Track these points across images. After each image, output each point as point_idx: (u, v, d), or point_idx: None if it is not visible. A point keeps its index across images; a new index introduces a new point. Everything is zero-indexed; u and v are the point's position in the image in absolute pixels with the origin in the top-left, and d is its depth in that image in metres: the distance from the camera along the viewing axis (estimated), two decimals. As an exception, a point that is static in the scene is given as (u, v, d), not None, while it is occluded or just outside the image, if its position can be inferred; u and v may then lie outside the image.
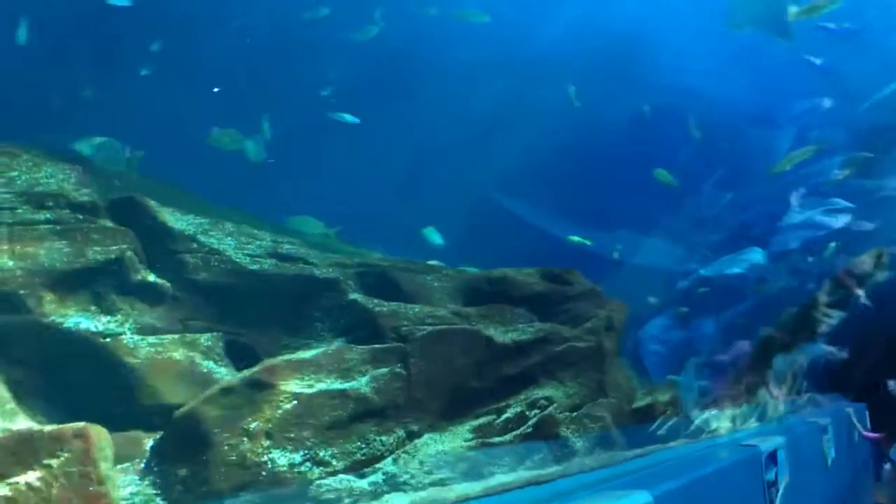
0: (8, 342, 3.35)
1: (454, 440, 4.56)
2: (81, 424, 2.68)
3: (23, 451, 2.53)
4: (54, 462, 2.56)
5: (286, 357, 3.85)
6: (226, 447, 3.46)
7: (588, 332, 5.78)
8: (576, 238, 6.34)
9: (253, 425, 3.57)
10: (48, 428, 2.64)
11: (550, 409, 5.28)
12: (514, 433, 4.95)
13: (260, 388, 3.65)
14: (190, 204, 4.23)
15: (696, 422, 7.93)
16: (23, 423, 2.93)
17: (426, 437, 4.42)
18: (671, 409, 7.19)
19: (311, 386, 3.79)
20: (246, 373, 3.69)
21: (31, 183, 3.65)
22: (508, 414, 5.01)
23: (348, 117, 5.01)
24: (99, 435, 2.74)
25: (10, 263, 3.39)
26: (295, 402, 3.71)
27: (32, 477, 2.51)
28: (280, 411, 3.66)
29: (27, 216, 3.55)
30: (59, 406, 3.42)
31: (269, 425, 3.62)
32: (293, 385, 3.74)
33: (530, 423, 5.06)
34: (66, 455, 2.58)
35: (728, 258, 9.48)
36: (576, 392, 5.60)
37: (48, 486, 2.53)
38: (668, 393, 7.23)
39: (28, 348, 3.42)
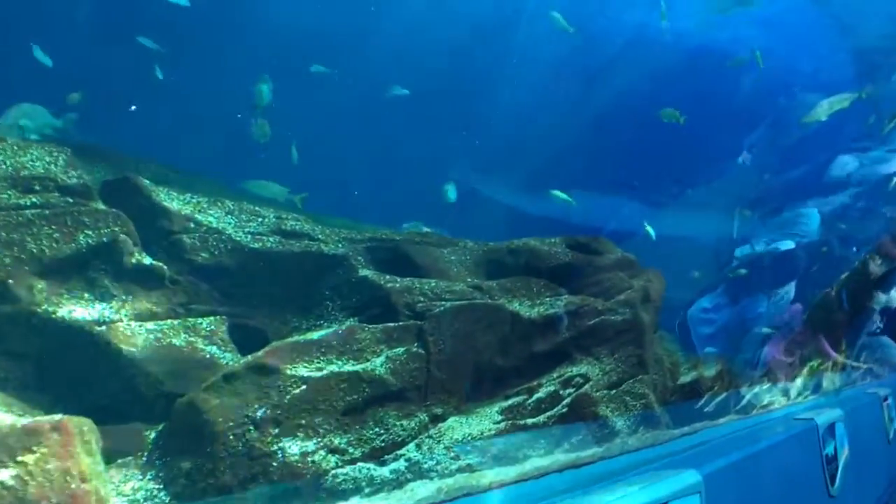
0: (-3, 333, 3.18)
1: (482, 423, 4.27)
2: (59, 417, 2.46)
3: (-5, 447, 2.32)
4: (29, 458, 2.34)
5: (292, 339, 3.61)
6: (231, 437, 3.23)
7: (623, 305, 5.41)
8: (559, 194, 5.83)
9: (259, 413, 3.33)
10: (22, 422, 2.42)
11: (586, 387, 4.96)
12: (548, 414, 4.64)
13: (265, 372, 3.40)
14: (181, 180, 4.01)
15: (747, 396, 7.51)
16: (2, 416, 2.72)
17: (451, 420, 4.13)
18: (718, 385, 6.80)
19: (320, 369, 3.54)
20: (249, 357, 3.45)
21: (17, 167, 3.46)
22: (540, 394, 4.70)
23: (398, 90, 4.76)
24: (81, 427, 2.52)
25: (-4, 251, 3.20)
26: (304, 386, 3.46)
27: (6, 475, 2.29)
28: (288, 397, 3.42)
29: (13, 201, 3.36)
30: (55, 399, 3.25)
31: (277, 412, 3.38)
32: (301, 368, 3.49)
33: (565, 402, 4.75)
34: (42, 450, 2.36)
35: (779, 223, 8.93)
36: (613, 368, 5.26)
37: (24, 485, 2.31)
38: (713, 367, 6.83)
39: (19, 339, 3.24)
